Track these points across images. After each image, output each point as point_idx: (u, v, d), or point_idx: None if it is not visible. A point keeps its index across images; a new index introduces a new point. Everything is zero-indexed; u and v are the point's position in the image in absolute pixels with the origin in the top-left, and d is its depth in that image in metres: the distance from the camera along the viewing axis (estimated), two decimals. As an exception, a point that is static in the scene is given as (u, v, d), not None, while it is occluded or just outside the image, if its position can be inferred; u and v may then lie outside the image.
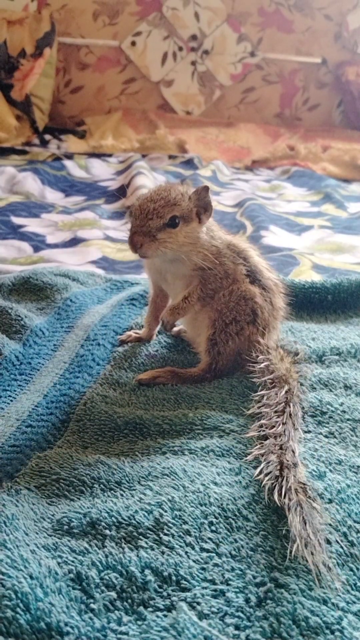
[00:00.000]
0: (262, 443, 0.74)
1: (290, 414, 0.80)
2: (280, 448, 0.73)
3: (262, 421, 0.79)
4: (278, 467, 0.68)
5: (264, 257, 1.05)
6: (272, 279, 0.99)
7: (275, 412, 0.81)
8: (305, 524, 0.60)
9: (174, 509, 0.64)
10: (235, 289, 0.95)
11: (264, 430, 0.77)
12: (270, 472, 0.68)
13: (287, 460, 0.70)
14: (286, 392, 0.84)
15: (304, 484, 0.66)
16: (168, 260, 0.94)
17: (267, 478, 0.67)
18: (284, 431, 0.76)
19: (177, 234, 0.91)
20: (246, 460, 0.72)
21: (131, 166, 2.45)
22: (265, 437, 0.76)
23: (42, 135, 3.09)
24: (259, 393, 0.85)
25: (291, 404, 0.82)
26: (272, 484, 0.66)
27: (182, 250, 0.92)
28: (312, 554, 0.57)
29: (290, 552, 0.58)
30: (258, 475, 0.68)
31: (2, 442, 0.79)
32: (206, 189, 0.94)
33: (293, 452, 0.73)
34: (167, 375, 0.95)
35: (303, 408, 0.85)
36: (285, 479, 0.66)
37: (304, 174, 2.68)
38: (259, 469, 0.69)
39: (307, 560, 0.57)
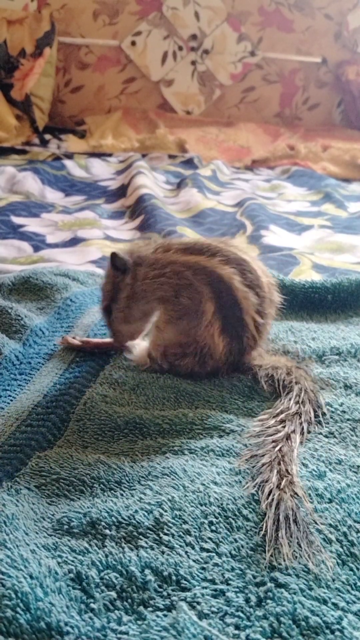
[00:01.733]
0: (257, 445, 0.75)
1: (296, 412, 0.81)
2: (276, 444, 0.73)
3: (262, 422, 0.79)
4: (268, 468, 0.69)
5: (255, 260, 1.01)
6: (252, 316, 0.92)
7: (276, 413, 0.81)
8: (284, 522, 0.61)
9: (174, 509, 0.64)
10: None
11: (262, 431, 0.77)
12: (260, 474, 0.68)
13: (279, 457, 0.70)
14: (296, 395, 0.85)
15: (292, 478, 0.67)
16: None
17: (252, 484, 0.67)
18: (281, 431, 0.77)
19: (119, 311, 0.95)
20: (239, 465, 0.72)
21: (131, 166, 2.45)
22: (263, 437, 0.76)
23: (42, 134, 3.09)
24: (269, 410, 0.85)
25: (299, 405, 0.83)
26: (258, 487, 0.67)
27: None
28: (287, 557, 0.58)
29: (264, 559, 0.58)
30: (251, 481, 0.68)
31: (2, 442, 0.79)
32: (112, 257, 0.94)
33: (291, 447, 0.73)
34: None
35: (317, 406, 0.86)
36: (270, 480, 0.67)
37: (304, 174, 2.67)
38: (250, 476, 0.69)
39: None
